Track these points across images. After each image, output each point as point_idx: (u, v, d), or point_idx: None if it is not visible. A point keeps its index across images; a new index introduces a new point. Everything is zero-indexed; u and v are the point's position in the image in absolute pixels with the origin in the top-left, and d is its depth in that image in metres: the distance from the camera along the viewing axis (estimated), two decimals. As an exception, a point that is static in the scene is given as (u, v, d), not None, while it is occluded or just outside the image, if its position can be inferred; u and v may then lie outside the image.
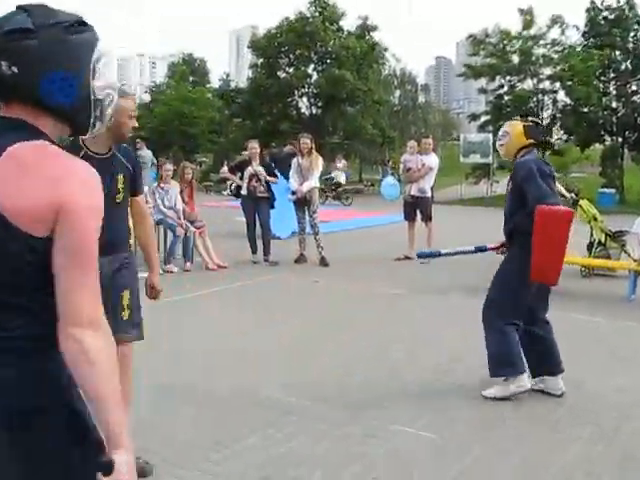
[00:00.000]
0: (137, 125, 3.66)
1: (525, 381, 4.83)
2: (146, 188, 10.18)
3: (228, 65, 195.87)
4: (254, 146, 11.02)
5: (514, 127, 5.03)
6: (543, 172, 4.75)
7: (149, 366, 4.82)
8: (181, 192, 10.41)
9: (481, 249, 5.53)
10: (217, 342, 6.16)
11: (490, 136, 25.81)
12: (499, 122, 23.32)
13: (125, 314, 3.61)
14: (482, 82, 32.26)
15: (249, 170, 10.79)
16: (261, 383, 5.02)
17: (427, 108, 51.82)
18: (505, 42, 30.41)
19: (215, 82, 54.39)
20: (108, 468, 1.57)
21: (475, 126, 35.16)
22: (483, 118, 32.77)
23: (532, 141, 4.98)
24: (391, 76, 43.14)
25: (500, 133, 5.20)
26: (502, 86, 31.10)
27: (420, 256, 7.40)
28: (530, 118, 5.23)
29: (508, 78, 30.84)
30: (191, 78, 55.29)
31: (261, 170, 10.74)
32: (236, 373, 5.28)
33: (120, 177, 3.57)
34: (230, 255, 10.67)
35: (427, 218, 11.27)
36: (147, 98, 45.41)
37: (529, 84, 30.67)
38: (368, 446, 3.98)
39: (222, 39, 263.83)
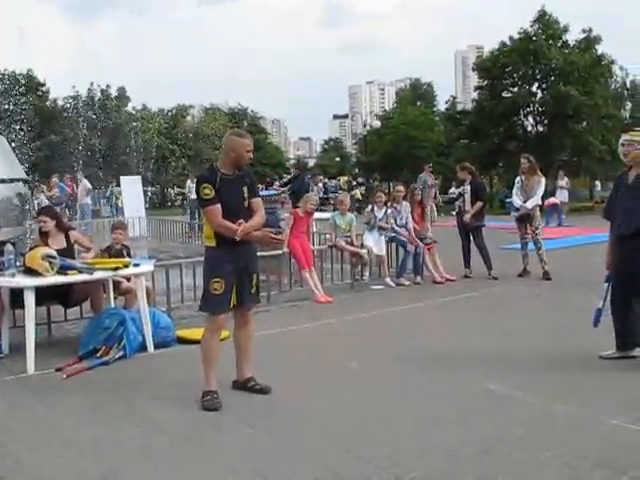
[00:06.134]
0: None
1: None
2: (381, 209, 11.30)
3: (454, 85, 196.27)
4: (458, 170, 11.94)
5: None
6: None
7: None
8: (411, 212, 11.39)
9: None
10: (442, 342, 7.09)
11: None
12: None
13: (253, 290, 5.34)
14: None
15: (459, 190, 11.71)
16: (479, 378, 5.75)
17: (663, 120, 48.60)
18: None
19: (442, 104, 55.55)
20: None
21: None
22: None
23: None
24: (621, 88, 41.25)
25: (626, 142, 5.95)
26: None
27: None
28: None
29: None
30: (418, 102, 57.01)
31: (467, 189, 11.44)
32: (463, 368, 6.08)
33: (244, 189, 5.21)
34: (459, 270, 11.40)
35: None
36: (377, 124, 47.56)
37: None
38: (574, 431, 4.53)
39: (448, 60, 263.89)
